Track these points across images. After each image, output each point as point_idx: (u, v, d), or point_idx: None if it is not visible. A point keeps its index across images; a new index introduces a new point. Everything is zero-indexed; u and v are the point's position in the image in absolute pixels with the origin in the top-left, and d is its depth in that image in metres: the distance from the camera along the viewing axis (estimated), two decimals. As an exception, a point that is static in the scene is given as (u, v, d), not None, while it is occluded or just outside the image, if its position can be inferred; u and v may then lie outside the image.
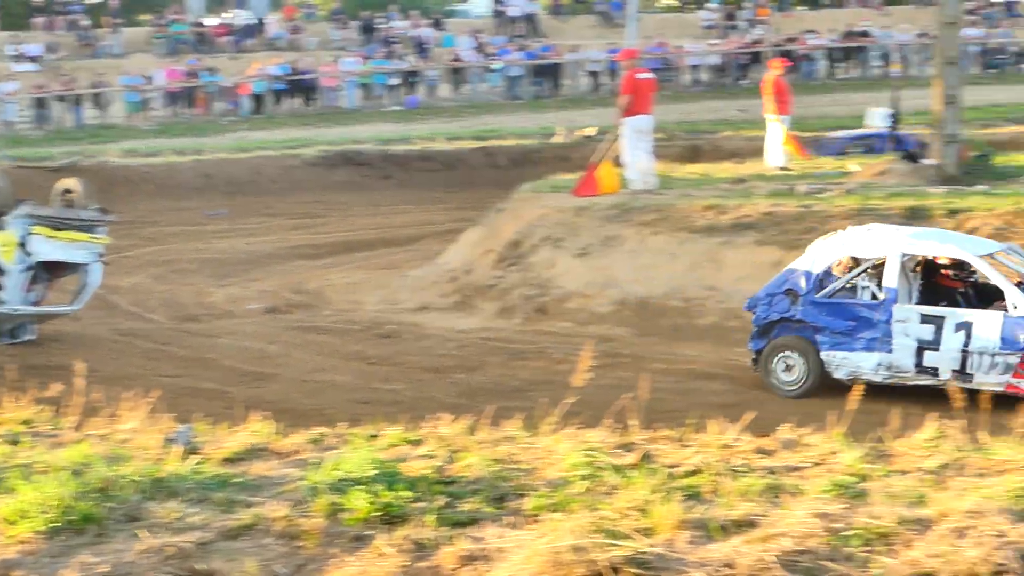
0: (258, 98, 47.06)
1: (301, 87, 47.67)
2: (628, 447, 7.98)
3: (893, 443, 7.95)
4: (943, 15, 23.72)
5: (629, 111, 22.82)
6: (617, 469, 7.42)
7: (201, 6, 56.19)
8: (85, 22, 52.70)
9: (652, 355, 17.36)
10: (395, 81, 48.54)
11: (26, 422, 9.70)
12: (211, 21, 55.17)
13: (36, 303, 19.86)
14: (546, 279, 20.41)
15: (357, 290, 23.81)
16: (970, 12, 54.25)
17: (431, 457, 7.85)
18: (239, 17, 54.57)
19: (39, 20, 53.05)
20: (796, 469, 7.52)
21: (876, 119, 32.79)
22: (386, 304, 22.50)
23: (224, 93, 47.23)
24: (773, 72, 28.42)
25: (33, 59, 49.55)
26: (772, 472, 7.38)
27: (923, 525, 6.02)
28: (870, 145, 31.24)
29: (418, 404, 14.27)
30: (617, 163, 23.16)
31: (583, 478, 7.28)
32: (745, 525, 6.22)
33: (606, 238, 20.41)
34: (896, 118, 32.09)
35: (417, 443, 8.33)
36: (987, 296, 15.33)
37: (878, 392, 13.57)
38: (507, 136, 39.01)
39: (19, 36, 50.92)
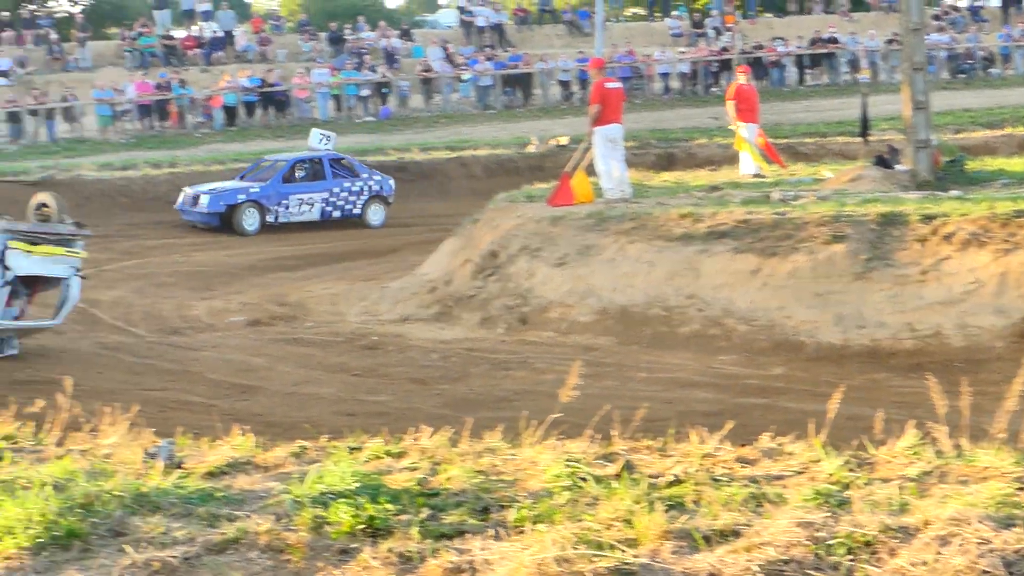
0: (230, 110, 47.02)
1: (272, 99, 47.64)
2: (610, 457, 7.99)
3: (875, 450, 7.97)
4: (908, 21, 23.83)
5: (599, 120, 22.89)
6: (599, 480, 7.43)
7: (169, 19, 56.10)
8: (54, 36, 52.56)
9: (635, 364, 17.38)
10: (366, 92, 48.55)
11: (7, 437, 9.69)
12: (179, 34, 55.12)
13: (17, 318, 19.86)
14: (526, 289, 20.42)
15: (339, 301, 23.82)
16: (936, 18, 54.58)
17: (414, 469, 7.86)
18: (207, 30, 54.48)
19: (8, 34, 52.93)
20: (778, 478, 7.54)
21: None
22: (368, 315, 22.52)
23: (196, 106, 47.17)
24: (737, 79, 28.62)
25: (3, 74, 49.42)
26: (754, 481, 7.40)
27: (907, 533, 6.04)
28: None
29: (404, 415, 14.29)
30: (591, 172, 23.21)
31: (565, 489, 7.30)
32: (729, 535, 6.24)
33: (584, 247, 20.43)
34: (866, 124, 32.36)
35: (399, 455, 8.35)
36: None
37: (859, 398, 13.60)
38: (481, 146, 39.13)
39: (-13, 51, 50.89)
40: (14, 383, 15.98)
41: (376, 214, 34.59)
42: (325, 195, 33.54)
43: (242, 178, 34.40)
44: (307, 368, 18.41)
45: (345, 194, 34.14)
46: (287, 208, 33.13)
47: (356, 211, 34.31)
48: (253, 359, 19.16)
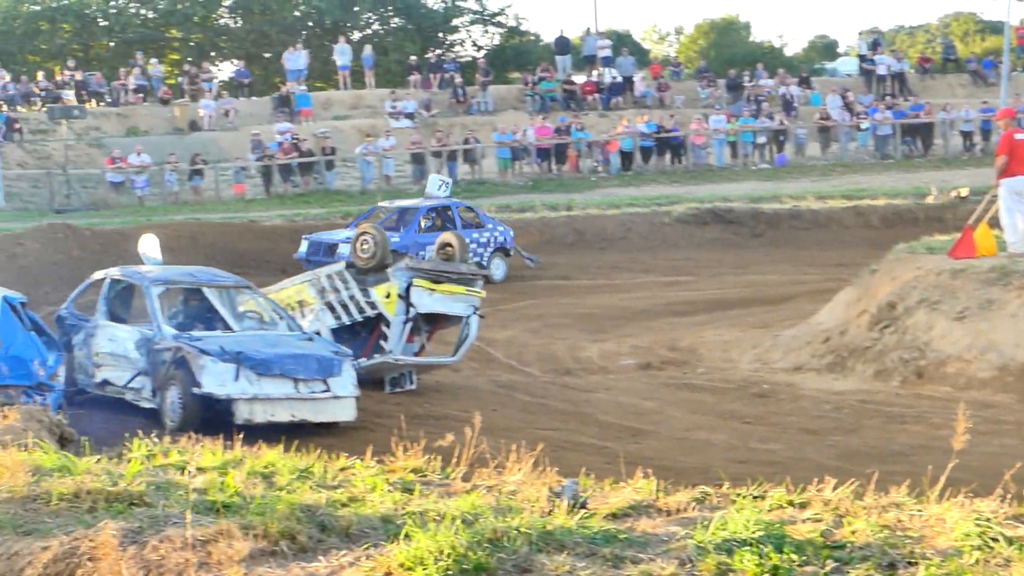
0: (626, 155, 47.44)
1: (669, 144, 47.87)
2: (1022, 518, 7.75)
3: None
4: None
5: (1006, 172, 22.16)
6: (1011, 541, 7.22)
7: (569, 64, 57.03)
8: (458, 80, 54.06)
9: (1035, 423, 16.80)
10: (763, 139, 48.36)
11: (416, 471, 10.01)
12: (580, 79, 55.94)
13: (417, 354, 20.51)
14: (923, 342, 19.96)
15: (730, 348, 23.76)
16: None
17: (817, 520, 7.79)
18: (607, 75, 55.18)
19: (414, 78, 54.70)
20: None
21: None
22: (760, 363, 22.40)
23: (593, 150, 47.77)
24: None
25: (409, 116, 51.09)
26: None
27: None
28: None
29: (795, 465, 14.17)
30: (995, 225, 22.55)
31: (976, 549, 7.12)
32: None
33: (985, 301, 19.85)
34: None
35: (802, 506, 8.27)
36: None
37: None
38: (878, 196, 38.41)
39: (396, 93, 52.60)
40: (413, 417, 16.48)
41: (499, 267, 31.76)
42: None
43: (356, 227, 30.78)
44: (698, 414, 18.43)
45: (474, 245, 30.12)
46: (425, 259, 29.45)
47: (483, 264, 30.29)
48: (644, 403, 19.29)
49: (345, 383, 17.01)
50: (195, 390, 16.42)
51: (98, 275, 19.51)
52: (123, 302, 19.20)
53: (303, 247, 30.90)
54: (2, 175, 41.52)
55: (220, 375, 16.39)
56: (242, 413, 16.29)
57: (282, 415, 16.53)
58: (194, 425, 15.06)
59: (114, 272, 19.20)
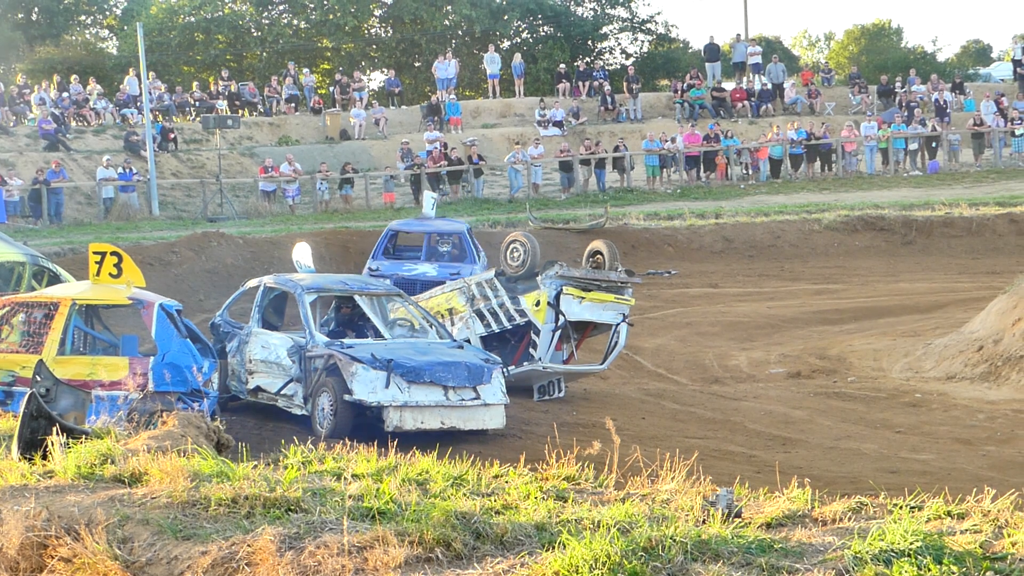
0: (775, 163, 47.13)
1: (819, 151, 47.48)
2: None
3: None
4: None
5: None
6: None
7: (719, 71, 56.77)
8: (607, 88, 54.05)
9: None
10: (914, 146, 47.75)
11: (569, 479, 10.04)
12: (729, 86, 55.69)
13: (565, 361, 20.57)
14: (1081, 352, 19.67)
15: (881, 357, 23.54)
16: None
17: (976, 532, 7.69)
18: (757, 82, 54.90)
19: (563, 86, 54.82)
20: None
21: None
22: (910, 372, 22.18)
23: (742, 157, 47.53)
24: None
25: (557, 124, 51.21)
26: None
27: None
28: None
29: (948, 475, 14.03)
30: None
31: None
32: None
33: None
34: None
35: (961, 517, 8.17)
36: None
37: None
38: (1034, 203, 37.80)
39: (545, 102, 52.75)
40: (562, 425, 16.48)
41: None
42: None
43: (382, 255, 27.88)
44: (848, 423, 18.29)
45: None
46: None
47: None
48: (793, 411, 19.17)
49: (495, 390, 17.10)
50: (346, 397, 16.65)
51: (252, 283, 19.82)
52: (276, 310, 19.55)
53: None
54: (157, 184, 42.25)
55: (371, 382, 16.59)
56: (392, 420, 16.48)
57: (432, 422, 16.69)
58: (345, 432, 15.21)
59: (268, 280, 19.47)
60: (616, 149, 46.63)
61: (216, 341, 18.91)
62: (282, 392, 17.80)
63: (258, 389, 18.27)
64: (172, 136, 47.13)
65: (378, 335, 18.27)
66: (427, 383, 16.76)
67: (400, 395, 16.57)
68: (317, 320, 18.56)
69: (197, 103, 50.96)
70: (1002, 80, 61.37)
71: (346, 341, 17.71)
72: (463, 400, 16.88)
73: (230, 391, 18.53)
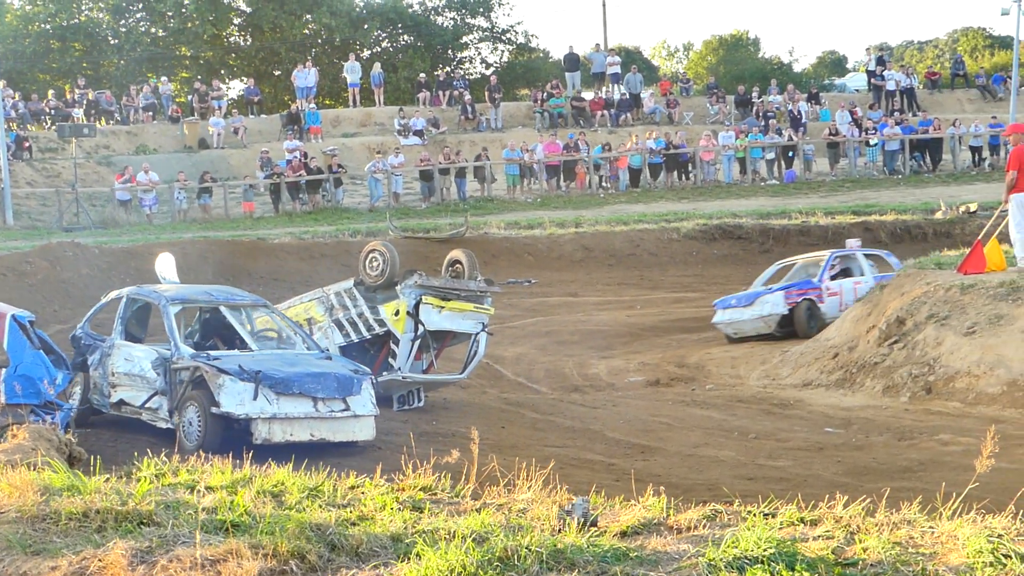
0: (635, 172, 47.46)
1: (677, 161, 47.89)
2: (1034, 535, 7.72)
3: None
4: None
5: (1016, 187, 22.11)
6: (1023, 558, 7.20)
7: (579, 81, 57.09)
8: (467, 97, 54.12)
9: (1047, 438, 16.72)
10: (771, 155, 48.35)
11: (426, 489, 10.00)
12: (589, 95, 56.02)
13: (425, 371, 20.51)
14: (932, 358, 19.94)
15: (738, 364, 23.78)
16: None
17: (829, 538, 7.76)
18: (616, 92, 55.30)
19: (423, 95, 54.81)
20: None
21: None
22: (767, 379, 22.42)
23: (602, 167, 47.79)
24: None
25: (418, 133, 51.18)
26: None
27: None
28: None
29: (804, 482, 14.17)
30: (1004, 240, 22.52)
31: (988, 565, 7.10)
32: None
33: (995, 316, 19.82)
34: None
35: (813, 523, 8.25)
36: None
37: None
38: (887, 211, 38.40)
39: (405, 111, 52.70)
40: (421, 435, 16.47)
41: None
42: None
43: None
44: (706, 430, 18.41)
45: None
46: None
47: None
48: (652, 419, 19.26)
49: (364, 402, 16.83)
50: (214, 410, 16.26)
51: (113, 294, 19.46)
52: (139, 321, 19.11)
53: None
54: (11, 193, 41.53)
55: (239, 394, 16.21)
56: (261, 433, 16.11)
57: (301, 434, 16.36)
58: (213, 446, 14.92)
59: (130, 291, 19.07)
60: (478, 158, 46.65)
61: (77, 354, 18.64)
62: (146, 405, 17.37)
63: (121, 403, 17.78)
64: (27, 145, 46.42)
65: (245, 346, 17.91)
66: (296, 394, 16.41)
67: (269, 407, 16.19)
68: (182, 331, 18.17)
69: (53, 111, 50.19)
70: (857, 91, 62.46)
71: (212, 353, 17.35)
72: (333, 412, 16.55)
73: (92, 404, 18.18)
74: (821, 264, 27.81)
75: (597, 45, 61.05)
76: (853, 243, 30.26)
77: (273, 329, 19.10)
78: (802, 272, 28.17)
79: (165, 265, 19.98)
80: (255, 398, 16.20)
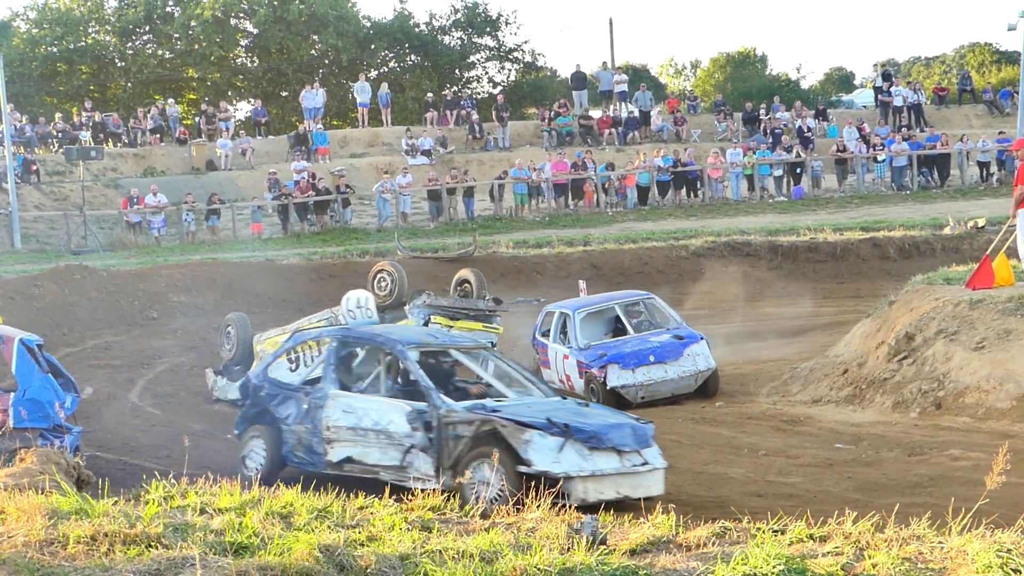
0: (643, 190, 47.44)
1: (685, 178, 47.88)
2: (1044, 550, 7.69)
3: None
4: None
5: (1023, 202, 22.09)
6: (1033, 573, 7.18)
7: (586, 99, 57.12)
8: (475, 116, 54.17)
9: (1057, 454, 16.66)
10: (780, 172, 48.31)
11: (434, 509, 9.99)
12: (596, 114, 56.05)
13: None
14: (941, 373, 19.89)
15: (747, 381, 23.75)
16: None
17: (838, 554, 7.74)
18: (624, 110, 55.33)
19: (431, 115, 54.88)
20: None
21: None
22: (777, 396, 22.38)
23: (610, 185, 47.77)
24: None
25: (425, 152, 51.24)
26: None
27: None
28: None
29: (814, 498, 14.13)
30: (1012, 255, 22.48)
31: (997, 581, 7.08)
32: None
33: (1004, 331, 19.76)
34: None
35: (823, 539, 8.23)
36: None
37: None
38: (895, 227, 38.34)
39: (412, 131, 52.75)
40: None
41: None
42: None
43: None
44: (716, 447, 18.38)
45: None
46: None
47: None
48: (662, 437, 19.10)
49: (656, 453, 15.23)
50: (521, 468, 14.08)
51: (314, 334, 18.21)
52: (347, 367, 17.39)
53: None
54: (19, 217, 41.59)
55: (550, 451, 14.30)
56: (577, 492, 14.09)
57: (608, 492, 14.51)
58: (514, 504, 12.34)
59: (336, 332, 17.65)
60: (484, 177, 46.60)
61: (252, 405, 17.41)
62: (391, 464, 15.50)
63: (349, 460, 16.01)
64: (34, 168, 46.50)
65: (499, 395, 16.26)
66: (606, 449, 14.65)
67: (586, 464, 14.37)
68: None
69: (60, 134, 50.29)
70: (864, 107, 62.42)
71: (488, 403, 15.48)
72: (635, 466, 14.80)
73: (286, 461, 16.73)
74: None
75: (604, 63, 61.08)
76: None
77: (509, 375, 17.27)
78: None
79: (360, 302, 19.15)
80: (561, 452, 14.36)
